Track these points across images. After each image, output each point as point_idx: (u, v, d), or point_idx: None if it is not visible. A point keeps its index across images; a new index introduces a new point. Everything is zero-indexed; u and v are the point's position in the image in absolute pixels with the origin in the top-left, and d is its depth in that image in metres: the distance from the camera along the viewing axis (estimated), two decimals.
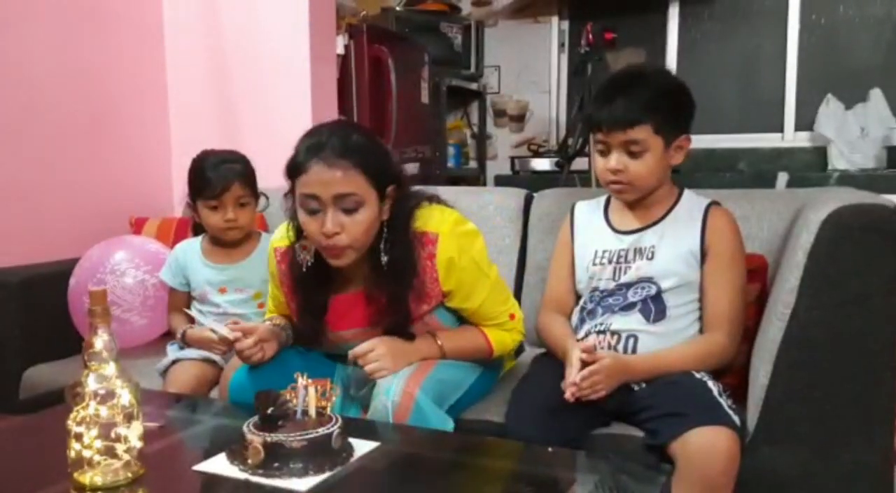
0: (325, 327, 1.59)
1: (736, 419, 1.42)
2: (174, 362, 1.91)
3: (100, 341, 1.15)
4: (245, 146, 2.08)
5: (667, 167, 1.62)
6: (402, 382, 1.45)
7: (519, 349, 1.92)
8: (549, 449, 1.27)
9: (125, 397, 1.15)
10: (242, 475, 1.12)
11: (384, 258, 1.48)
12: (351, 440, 1.20)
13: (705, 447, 1.35)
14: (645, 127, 1.55)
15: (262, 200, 2.04)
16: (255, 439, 1.13)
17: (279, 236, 1.63)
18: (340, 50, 2.86)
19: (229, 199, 1.93)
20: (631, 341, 1.61)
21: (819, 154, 3.72)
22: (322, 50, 2.63)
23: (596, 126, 1.61)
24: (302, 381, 1.19)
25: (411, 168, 3.32)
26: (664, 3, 4.02)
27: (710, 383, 1.52)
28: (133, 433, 1.15)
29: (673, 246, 1.61)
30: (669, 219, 1.65)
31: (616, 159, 1.59)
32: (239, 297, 2.00)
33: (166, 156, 2.79)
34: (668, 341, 1.59)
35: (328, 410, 1.20)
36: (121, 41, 2.66)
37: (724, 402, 1.46)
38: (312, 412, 1.19)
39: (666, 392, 1.50)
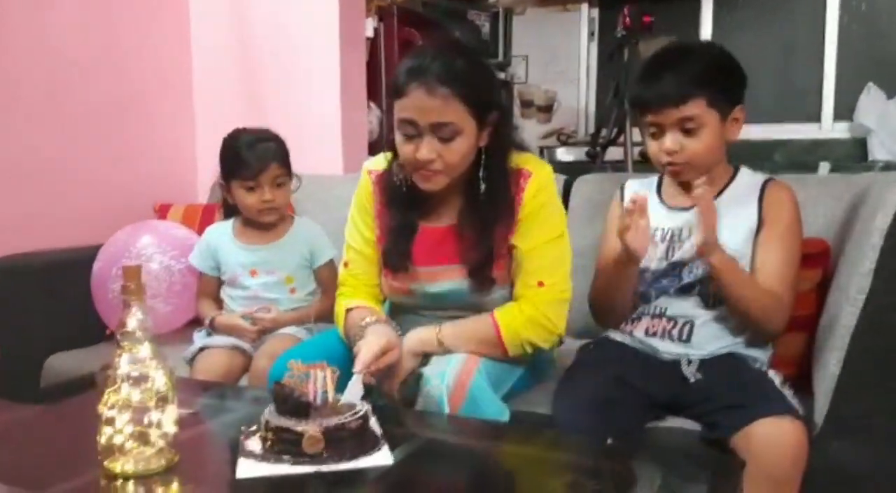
0: (410, 258, 1.51)
1: (801, 410, 1.34)
2: (201, 349, 1.85)
3: (133, 319, 1.08)
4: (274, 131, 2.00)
5: (724, 143, 1.54)
6: (456, 367, 1.38)
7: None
8: (609, 441, 1.19)
9: (160, 379, 1.08)
10: (302, 469, 1.05)
11: (482, 186, 1.44)
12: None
13: (771, 439, 1.27)
14: (698, 102, 1.47)
15: (294, 181, 1.97)
16: (310, 428, 1.07)
17: (375, 160, 1.59)
18: (370, 32, 2.79)
19: (266, 179, 1.87)
20: (687, 327, 1.53)
21: (858, 145, 3.61)
22: (351, 32, 2.56)
23: (644, 106, 1.53)
24: (299, 366, 1.15)
25: None
26: None
27: (772, 373, 1.46)
28: (168, 419, 1.08)
29: (729, 222, 1.53)
30: (726, 195, 1.57)
31: (671, 139, 1.50)
32: (270, 279, 1.93)
33: (191, 142, 2.72)
34: (725, 328, 1.51)
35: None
36: (147, 25, 2.60)
37: (787, 392, 1.39)
38: (331, 395, 1.14)
39: (724, 383, 1.42)
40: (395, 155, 1.47)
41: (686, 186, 1.59)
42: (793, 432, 1.28)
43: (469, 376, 1.35)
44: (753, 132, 3.70)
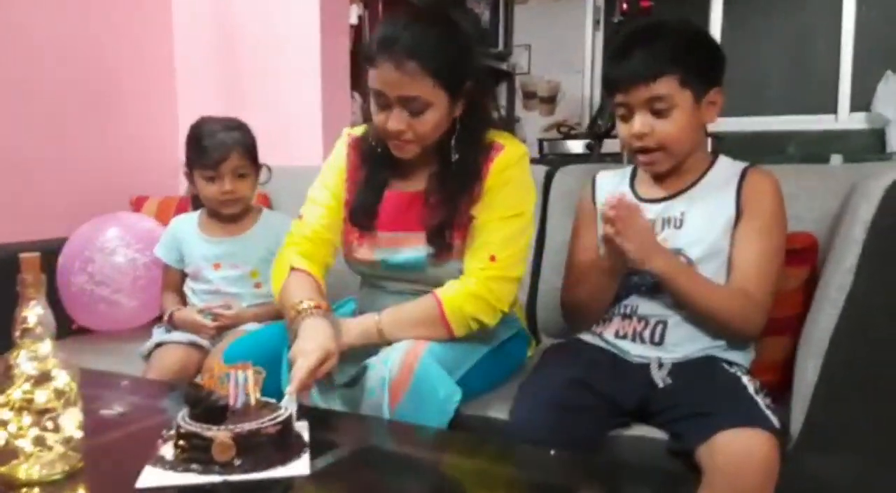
0: (376, 218, 1.49)
1: (775, 420, 1.24)
2: (158, 345, 1.78)
3: (33, 314, 1.01)
4: (253, 121, 1.94)
5: (699, 127, 1.44)
6: (402, 349, 1.31)
7: (535, 336, 1.77)
8: (552, 452, 1.09)
9: (62, 379, 1.01)
10: (209, 478, 0.97)
11: (454, 156, 1.42)
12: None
13: (737, 452, 1.16)
14: (669, 80, 1.37)
15: (263, 173, 1.90)
16: (221, 434, 0.99)
17: (357, 127, 1.59)
18: (354, 20, 2.70)
19: (227, 169, 1.80)
20: (659, 327, 1.43)
21: (876, 136, 3.46)
22: (334, 19, 2.48)
23: (614, 86, 1.43)
24: (220, 366, 1.08)
25: None
26: None
27: (745, 380, 1.35)
28: (70, 421, 1.01)
29: (704, 212, 1.43)
30: (701, 184, 1.46)
31: (640, 121, 1.40)
32: (234, 273, 1.87)
33: (172, 132, 2.65)
34: (701, 329, 1.41)
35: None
36: (127, 12, 2.54)
37: (761, 400, 1.28)
38: (253, 399, 1.05)
39: (693, 389, 1.32)
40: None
41: (661, 176, 1.49)
42: (762, 444, 1.17)
43: (416, 358, 1.29)
44: (766, 124, 3.56)
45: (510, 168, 1.42)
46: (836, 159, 3.04)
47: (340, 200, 1.53)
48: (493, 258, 1.39)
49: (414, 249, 1.45)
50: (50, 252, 2.01)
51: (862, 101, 3.53)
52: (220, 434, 0.99)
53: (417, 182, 1.49)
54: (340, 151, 1.56)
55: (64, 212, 2.24)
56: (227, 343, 1.70)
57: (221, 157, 1.79)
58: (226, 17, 2.58)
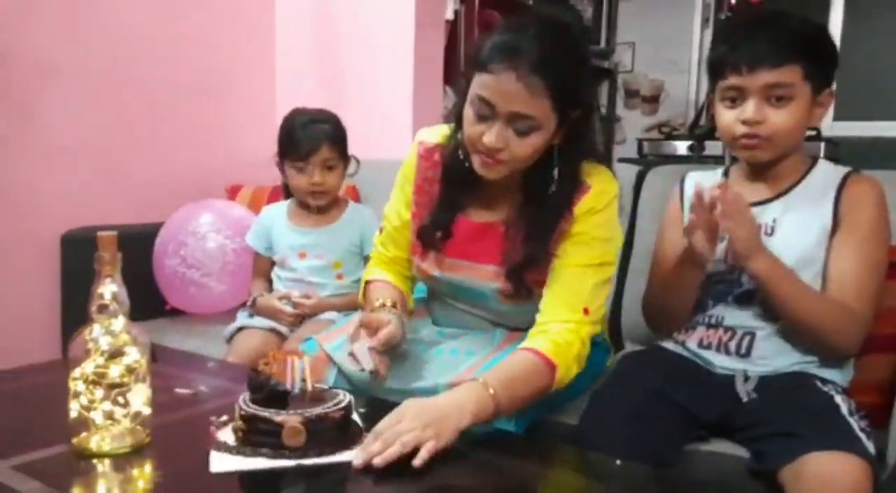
0: (445, 239, 1.38)
1: (869, 445, 1.14)
2: (240, 329, 1.82)
3: (108, 291, 1.05)
4: (346, 113, 1.96)
5: (806, 126, 1.34)
6: (458, 370, 1.27)
7: (616, 348, 1.69)
8: (618, 462, 1.04)
9: (133, 355, 1.04)
10: (281, 462, 0.98)
11: (553, 188, 1.28)
12: None
13: (825, 477, 1.08)
14: (795, 68, 1.27)
15: (352, 165, 1.91)
16: (292, 418, 0.99)
17: (432, 131, 1.45)
18: (450, 15, 2.69)
19: (316, 161, 1.83)
20: (747, 339, 1.35)
21: None
22: (429, 15, 2.48)
23: (731, 68, 1.31)
24: (275, 353, 1.08)
25: None
26: None
27: (839, 399, 1.25)
28: (138, 397, 1.04)
29: (798, 219, 1.34)
30: (798, 190, 1.37)
31: (755, 107, 1.29)
32: (318, 263, 1.89)
33: (271, 124, 2.71)
34: (793, 343, 1.32)
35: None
36: (232, 9, 2.63)
37: (856, 423, 1.19)
38: (309, 385, 1.06)
39: (780, 406, 1.23)
40: (460, 126, 1.31)
41: (754, 178, 1.40)
42: (853, 469, 1.08)
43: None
44: (888, 129, 3.31)
45: (597, 215, 1.30)
46: None
47: (408, 220, 1.45)
48: (586, 311, 1.28)
49: (481, 281, 1.37)
50: (149, 235, 2.13)
51: None
52: (290, 419, 1.00)
53: (496, 212, 1.38)
54: (411, 159, 1.45)
55: (164, 197, 2.33)
56: (305, 331, 1.73)
57: (311, 148, 1.81)
58: (325, 13, 2.63)
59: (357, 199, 2.19)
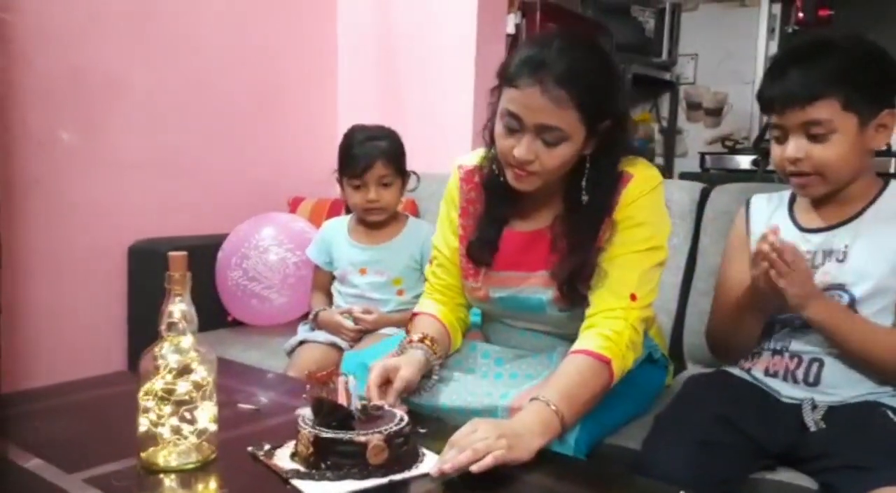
0: (494, 252, 1.41)
1: None
2: (301, 342, 1.85)
3: (177, 309, 1.07)
4: (407, 127, 1.98)
5: (864, 152, 1.30)
6: (518, 391, 1.26)
7: (677, 368, 1.67)
8: (681, 492, 1.01)
9: (200, 372, 1.06)
10: (374, 481, 1.00)
11: (584, 198, 1.31)
12: None
13: None
14: (829, 103, 1.25)
15: (412, 180, 1.92)
16: (375, 437, 1.01)
17: (469, 156, 1.49)
18: (511, 29, 2.69)
19: (371, 178, 1.84)
20: (815, 366, 1.31)
21: None
22: (490, 28, 2.48)
23: (769, 106, 1.32)
24: (313, 375, 1.11)
25: None
26: None
27: None
28: (205, 414, 1.06)
29: (871, 245, 1.29)
30: (869, 215, 1.32)
31: (794, 145, 1.29)
32: (378, 280, 1.91)
33: (332, 136, 2.75)
34: (862, 371, 1.28)
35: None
36: (294, 22, 2.68)
37: None
38: (372, 402, 1.10)
39: (850, 437, 1.20)
40: (493, 142, 1.34)
41: (822, 203, 1.36)
42: None
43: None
44: None
45: (642, 198, 1.31)
46: None
47: (456, 245, 1.46)
48: (633, 297, 1.28)
49: (534, 289, 1.37)
50: (213, 247, 2.17)
51: None
52: (373, 438, 1.01)
53: (539, 221, 1.40)
54: (454, 184, 1.48)
55: (228, 209, 2.38)
56: (363, 346, 1.74)
57: (366, 166, 1.83)
58: (387, 28, 2.66)
59: (416, 213, 2.20)
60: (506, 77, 1.26)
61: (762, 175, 2.73)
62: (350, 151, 1.86)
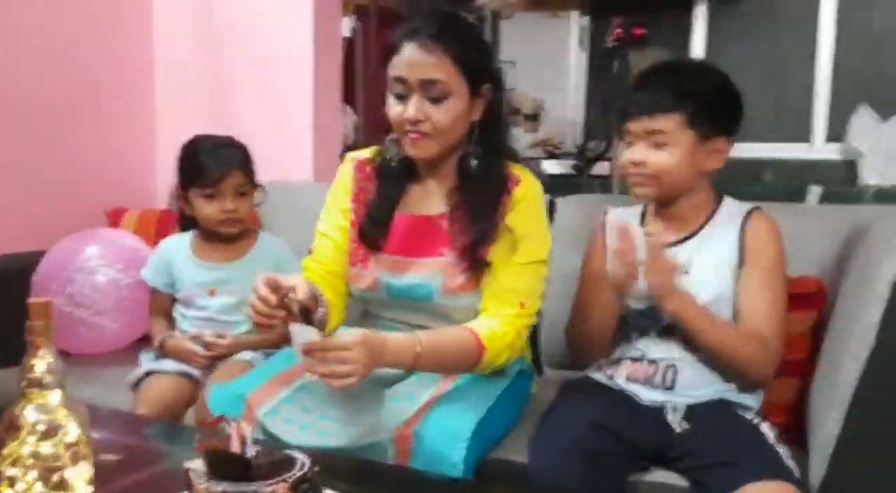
0: (387, 235, 1.45)
1: (797, 471, 1.23)
2: (147, 374, 1.69)
3: (42, 363, 0.93)
4: (240, 136, 1.87)
5: (697, 168, 1.43)
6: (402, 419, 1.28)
7: (539, 369, 1.75)
8: None
9: (72, 432, 0.93)
10: None
11: (473, 162, 1.40)
12: None
13: None
14: (672, 117, 1.38)
15: (258, 193, 1.83)
16: (281, 487, 0.94)
17: (360, 151, 1.57)
18: (347, 32, 2.64)
19: (228, 187, 1.74)
20: (670, 372, 1.42)
21: (849, 168, 3.50)
22: (326, 32, 2.40)
23: (624, 115, 1.45)
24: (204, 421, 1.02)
25: None
26: (690, 1, 3.75)
27: (765, 427, 1.34)
28: (81, 477, 0.93)
29: (710, 257, 1.43)
30: (707, 229, 1.47)
31: (638, 150, 1.42)
32: (230, 301, 1.79)
33: (150, 143, 2.55)
34: (713, 372, 1.40)
35: None
36: (106, 22, 2.43)
37: (783, 451, 1.27)
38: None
39: (713, 436, 1.30)
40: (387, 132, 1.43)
41: (668, 217, 1.48)
42: None
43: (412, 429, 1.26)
44: (742, 150, 3.58)
45: (529, 202, 1.42)
46: (814, 191, 3.08)
47: (347, 228, 1.49)
48: (522, 305, 1.40)
49: (424, 275, 1.41)
50: (23, 269, 1.92)
51: (837, 131, 3.58)
52: (279, 488, 0.94)
53: (433, 205, 1.46)
54: (346, 174, 1.53)
55: (38, 223, 2.13)
56: (221, 374, 1.63)
57: (222, 174, 1.73)
58: (209, 25, 2.48)
59: (258, 225, 2.09)
60: (389, 52, 1.36)
61: (586, 181, 2.92)
62: (198, 160, 1.74)
